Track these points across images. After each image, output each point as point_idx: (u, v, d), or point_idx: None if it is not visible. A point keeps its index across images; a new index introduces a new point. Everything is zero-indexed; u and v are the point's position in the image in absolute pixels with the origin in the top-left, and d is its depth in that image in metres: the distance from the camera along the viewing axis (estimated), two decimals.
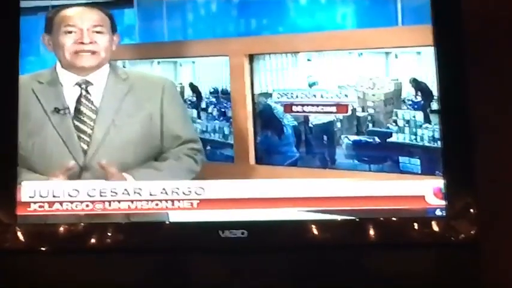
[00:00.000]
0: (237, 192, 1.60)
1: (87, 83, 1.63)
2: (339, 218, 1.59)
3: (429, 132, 1.60)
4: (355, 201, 1.59)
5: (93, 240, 1.57)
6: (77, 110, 1.62)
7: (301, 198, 1.59)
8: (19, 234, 1.57)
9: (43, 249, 1.58)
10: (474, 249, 1.59)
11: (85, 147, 1.61)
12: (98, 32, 1.62)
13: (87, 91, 1.63)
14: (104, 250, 1.58)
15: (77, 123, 1.61)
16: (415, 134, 1.61)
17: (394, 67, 1.62)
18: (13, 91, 1.60)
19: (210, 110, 1.67)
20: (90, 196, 1.58)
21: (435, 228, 1.59)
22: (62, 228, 1.58)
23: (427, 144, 1.60)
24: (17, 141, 1.59)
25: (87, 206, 1.58)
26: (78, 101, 1.63)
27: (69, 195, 1.58)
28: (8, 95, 1.60)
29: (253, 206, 1.59)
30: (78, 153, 1.60)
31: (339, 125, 1.63)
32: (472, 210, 1.57)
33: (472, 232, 1.57)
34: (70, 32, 1.62)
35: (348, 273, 1.62)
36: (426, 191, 1.60)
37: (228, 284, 1.61)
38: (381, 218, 1.58)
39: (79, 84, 1.63)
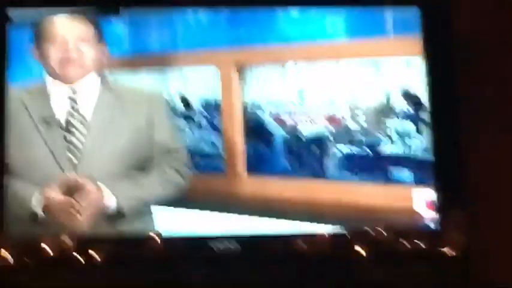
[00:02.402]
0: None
1: (75, 92, 1.61)
2: (329, 231, 1.57)
3: (420, 144, 1.60)
4: (346, 213, 1.58)
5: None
6: (66, 122, 1.60)
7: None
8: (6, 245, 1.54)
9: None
10: (464, 261, 1.58)
11: (72, 158, 1.59)
12: (83, 42, 1.61)
13: (75, 102, 1.61)
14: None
15: (65, 134, 1.60)
16: (406, 145, 1.60)
17: (384, 78, 1.61)
18: (1, 101, 1.59)
19: (199, 121, 1.66)
20: None
21: (426, 240, 1.58)
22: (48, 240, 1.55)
23: (418, 155, 1.59)
24: (4, 151, 1.57)
25: None
26: (68, 113, 1.61)
27: None
28: None
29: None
30: (65, 164, 1.59)
31: (329, 136, 1.62)
32: (462, 222, 1.56)
33: (462, 244, 1.56)
34: (55, 42, 1.61)
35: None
36: (418, 202, 1.58)
37: None
38: (371, 232, 1.57)
39: (69, 97, 1.61)
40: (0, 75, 1.60)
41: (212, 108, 1.65)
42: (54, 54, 1.61)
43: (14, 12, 1.62)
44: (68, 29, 1.61)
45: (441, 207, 1.58)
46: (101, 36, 1.63)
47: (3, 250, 1.54)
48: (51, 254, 1.55)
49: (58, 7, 1.62)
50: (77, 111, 1.61)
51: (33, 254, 1.56)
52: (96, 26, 1.63)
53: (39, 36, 1.62)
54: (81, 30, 1.61)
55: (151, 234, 1.59)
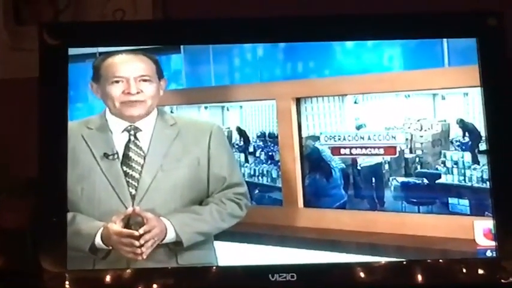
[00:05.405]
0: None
1: (136, 129, 1.64)
2: (385, 260, 1.58)
3: (478, 173, 1.60)
4: (404, 244, 1.59)
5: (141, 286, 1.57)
6: (125, 156, 1.63)
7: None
8: (69, 281, 1.56)
9: None
10: None
11: (133, 192, 1.61)
12: (144, 81, 1.63)
13: (135, 137, 1.63)
14: None
15: (125, 168, 1.62)
16: (464, 175, 1.61)
17: (441, 108, 1.62)
18: (62, 137, 1.61)
19: (257, 153, 1.68)
20: None
21: (485, 269, 1.57)
22: (110, 275, 1.57)
23: (475, 185, 1.60)
24: (67, 187, 1.59)
25: None
26: (127, 147, 1.63)
27: None
28: (58, 141, 1.61)
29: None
30: (126, 198, 1.61)
31: (387, 166, 1.63)
32: None
33: None
34: (117, 82, 1.62)
35: None
36: (476, 232, 1.59)
37: None
38: (429, 260, 1.57)
39: (128, 130, 1.64)
40: (62, 113, 1.63)
41: (270, 141, 1.67)
42: (116, 93, 1.63)
43: (74, 50, 1.64)
44: (129, 68, 1.63)
45: (499, 236, 1.58)
46: (161, 72, 1.65)
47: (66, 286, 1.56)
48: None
49: (120, 47, 1.64)
50: (135, 144, 1.63)
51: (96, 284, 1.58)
52: (156, 62, 1.65)
53: (99, 74, 1.64)
54: (142, 68, 1.64)
55: (210, 265, 1.60)
